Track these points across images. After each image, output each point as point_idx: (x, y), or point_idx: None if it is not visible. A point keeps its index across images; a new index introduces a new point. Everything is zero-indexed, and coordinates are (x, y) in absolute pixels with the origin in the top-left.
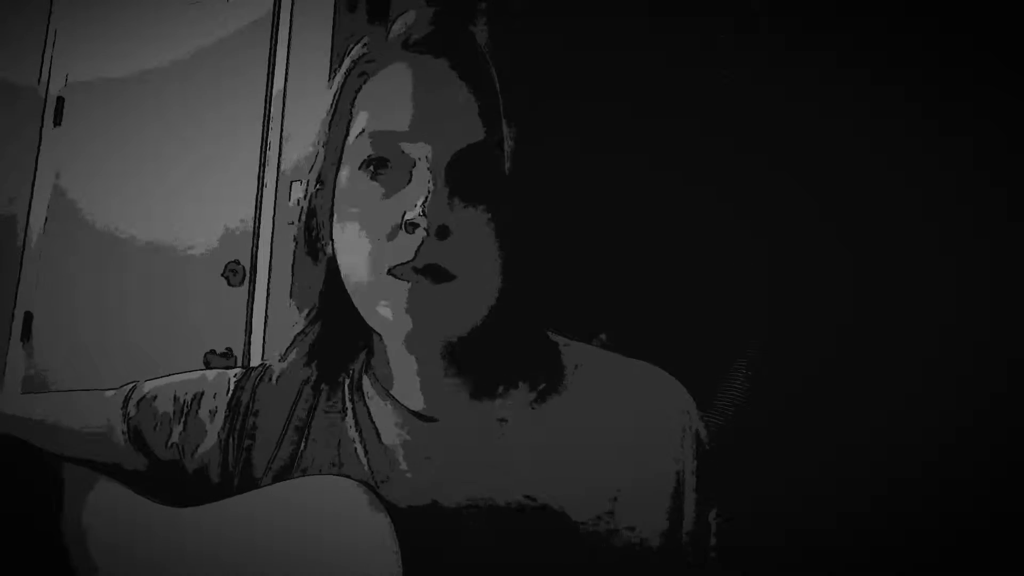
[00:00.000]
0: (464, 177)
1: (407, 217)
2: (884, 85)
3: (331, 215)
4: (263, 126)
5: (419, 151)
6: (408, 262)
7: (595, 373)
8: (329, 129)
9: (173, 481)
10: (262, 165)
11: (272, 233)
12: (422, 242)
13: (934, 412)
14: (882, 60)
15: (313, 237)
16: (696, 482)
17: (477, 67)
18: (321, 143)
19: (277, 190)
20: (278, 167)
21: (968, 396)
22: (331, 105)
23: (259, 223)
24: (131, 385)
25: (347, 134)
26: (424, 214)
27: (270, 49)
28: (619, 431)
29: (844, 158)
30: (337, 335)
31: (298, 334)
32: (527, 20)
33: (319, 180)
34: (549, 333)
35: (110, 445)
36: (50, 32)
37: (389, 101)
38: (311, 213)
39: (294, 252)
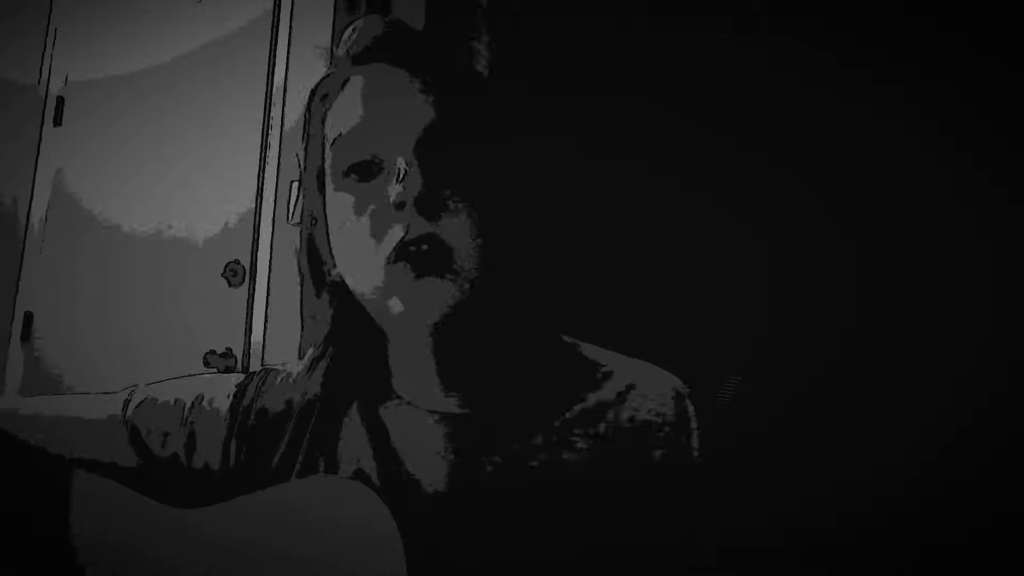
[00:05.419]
0: (433, 156)
1: (392, 199)
2: (884, 85)
3: (328, 241)
4: (263, 126)
5: (386, 146)
6: (403, 238)
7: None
8: (306, 156)
9: (175, 482)
10: (262, 165)
11: (272, 233)
12: (411, 216)
13: (934, 412)
14: (882, 60)
15: (317, 268)
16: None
17: (423, 60)
18: (301, 171)
19: (277, 190)
20: (278, 167)
21: (968, 396)
22: (303, 133)
23: (259, 223)
24: (131, 388)
25: (323, 158)
26: (404, 189)
27: (270, 48)
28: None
29: (844, 158)
30: (349, 353)
31: (313, 359)
32: (527, 20)
33: (311, 214)
34: (562, 334)
35: (110, 447)
36: (50, 32)
37: (350, 112)
38: (311, 246)
39: (301, 289)
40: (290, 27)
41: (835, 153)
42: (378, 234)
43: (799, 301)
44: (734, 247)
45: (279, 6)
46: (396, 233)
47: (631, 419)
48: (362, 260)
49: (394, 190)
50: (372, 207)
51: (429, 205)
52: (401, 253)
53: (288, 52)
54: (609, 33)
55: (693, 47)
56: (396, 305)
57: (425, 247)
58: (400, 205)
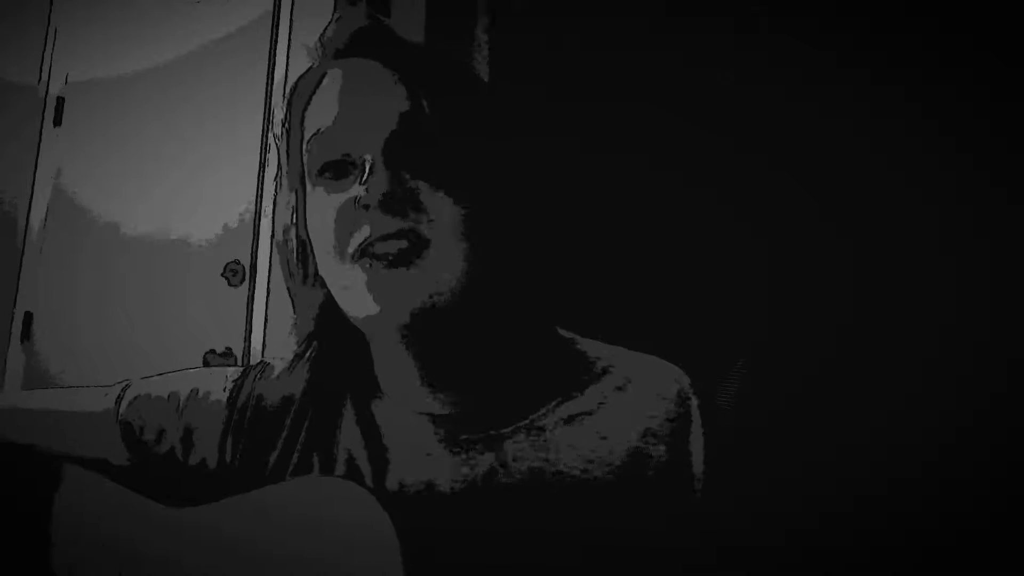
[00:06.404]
0: (404, 152)
1: (358, 200)
2: (884, 85)
3: (310, 239)
4: (263, 126)
5: (356, 143)
6: (367, 239)
7: (619, 373)
8: (288, 152)
9: (168, 479)
10: (262, 165)
11: (272, 233)
12: (377, 216)
13: (934, 412)
14: (882, 60)
15: (304, 265)
16: (703, 464)
17: (401, 54)
18: (284, 174)
19: (277, 190)
20: (278, 167)
21: (968, 396)
22: (283, 128)
23: (259, 223)
24: (124, 383)
25: (302, 155)
26: (367, 190)
27: (270, 48)
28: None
29: (844, 158)
30: (334, 351)
31: (295, 356)
32: (527, 20)
33: (295, 213)
34: (558, 329)
35: (102, 443)
36: (50, 32)
37: (326, 108)
38: (300, 245)
39: (287, 288)
40: (290, 27)
41: (835, 153)
42: (345, 234)
43: (799, 301)
44: (734, 247)
45: (279, 6)
46: (362, 232)
47: (630, 414)
48: (332, 260)
49: (358, 190)
50: (342, 206)
51: (396, 204)
52: (365, 250)
53: (288, 52)
54: (609, 33)
55: (693, 47)
56: (367, 305)
57: (393, 246)
58: (365, 206)
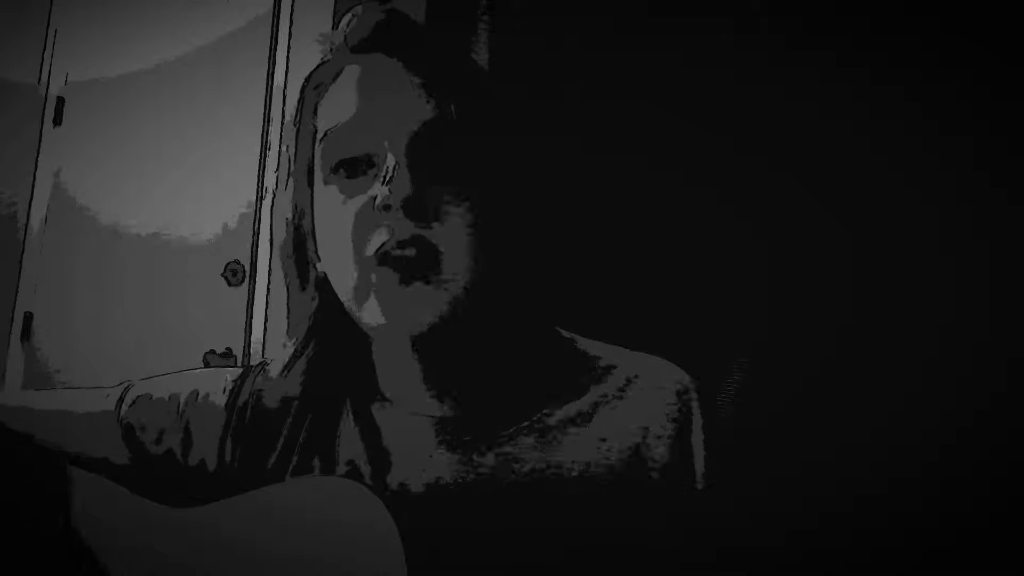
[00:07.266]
0: (426, 155)
1: (377, 201)
2: (884, 85)
3: (314, 236)
4: (263, 126)
5: (378, 142)
6: (387, 242)
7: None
8: (296, 145)
9: (169, 480)
10: (262, 165)
11: (271, 231)
12: (398, 219)
13: (934, 412)
14: (882, 60)
15: (303, 262)
16: (703, 459)
17: (422, 54)
18: (291, 166)
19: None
20: (277, 167)
21: (968, 396)
22: (295, 121)
23: (259, 223)
24: (125, 384)
25: (313, 149)
26: (390, 192)
27: (270, 49)
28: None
29: (844, 158)
30: (332, 351)
31: (293, 355)
32: (527, 20)
33: (298, 207)
34: (559, 329)
35: (103, 443)
36: (50, 32)
37: (343, 104)
38: (298, 240)
39: (286, 284)
40: (290, 27)
41: (835, 153)
42: (363, 235)
43: (799, 301)
44: (734, 247)
45: (279, 6)
46: (381, 235)
47: (631, 414)
48: (345, 261)
49: (380, 191)
50: (358, 206)
51: (417, 208)
52: (384, 258)
53: (288, 52)
54: (609, 33)
55: (693, 47)
56: (377, 315)
57: (410, 252)
58: (386, 207)
